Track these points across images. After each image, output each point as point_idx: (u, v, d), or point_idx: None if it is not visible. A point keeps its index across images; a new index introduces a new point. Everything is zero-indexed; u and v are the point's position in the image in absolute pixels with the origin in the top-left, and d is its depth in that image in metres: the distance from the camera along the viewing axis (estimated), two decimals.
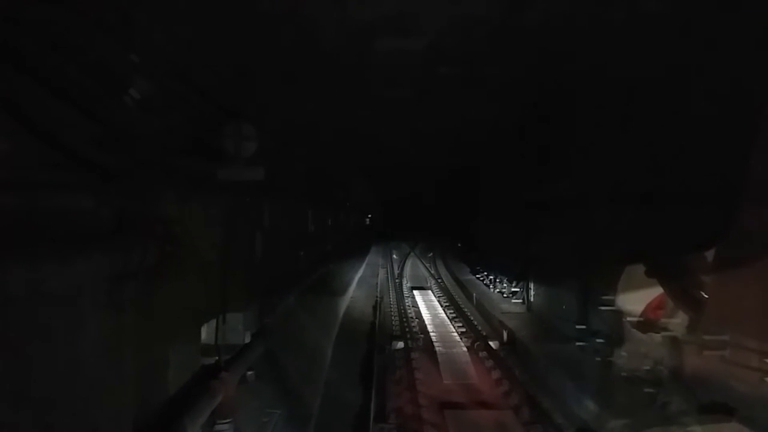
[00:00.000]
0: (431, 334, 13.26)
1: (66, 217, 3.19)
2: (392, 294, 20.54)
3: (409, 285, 22.81)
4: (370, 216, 51.32)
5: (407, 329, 14.54)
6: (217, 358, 7.06)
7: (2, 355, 2.62)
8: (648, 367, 8.37)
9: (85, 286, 3.22)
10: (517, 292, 16.29)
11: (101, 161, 3.66)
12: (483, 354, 12.08)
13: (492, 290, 18.81)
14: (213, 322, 7.23)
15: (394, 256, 34.36)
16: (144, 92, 4.77)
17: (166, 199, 5.06)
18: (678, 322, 7.89)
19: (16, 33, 2.93)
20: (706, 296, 7.33)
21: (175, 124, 5.58)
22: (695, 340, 7.18)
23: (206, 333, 7.30)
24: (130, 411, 4.17)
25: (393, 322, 15.59)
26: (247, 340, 8.40)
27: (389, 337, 13.23)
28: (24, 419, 2.79)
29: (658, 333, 8.11)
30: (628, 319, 8.85)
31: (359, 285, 21.68)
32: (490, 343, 12.59)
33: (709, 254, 7.24)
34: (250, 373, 8.21)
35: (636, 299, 9.15)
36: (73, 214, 3.26)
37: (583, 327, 10.79)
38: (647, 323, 8.58)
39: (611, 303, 9.75)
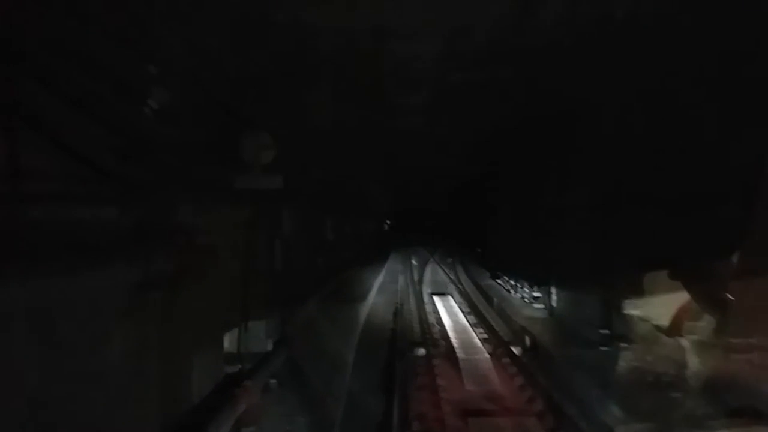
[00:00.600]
0: (452, 340, 13.18)
1: (89, 227, 3.24)
2: (412, 300, 20.46)
3: (429, 291, 22.71)
4: (388, 222, 51.36)
5: (428, 335, 14.46)
6: (239, 366, 7.10)
7: (27, 365, 2.66)
8: (674, 372, 8.23)
9: (109, 296, 3.26)
10: (539, 297, 16.14)
11: (122, 172, 3.71)
12: (505, 360, 11.96)
13: (513, 295, 18.66)
14: (235, 331, 7.28)
15: (414, 262, 34.27)
16: (163, 103, 4.84)
17: (186, 209, 5.11)
18: (704, 325, 7.74)
19: (37, 46, 2.99)
20: (733, 299, 7.20)
21: (193, 134, 5.65)
22: (722, 344, 7.04)
23: (229, 341, 7.35)
24: (155, 420, 4.19)
25: (414, 329, 15.52)
26: (269, 348, 8.44)
27: (410, 344, 13.16)
28: (48, 422, 2.82)
29: (685, 337, 7.96)
30: (654, 323, 8.71)
31: (379, 291, 21.64)
32: (513, 348, 12.46)
33: (736, 257, 7.11)
34: (272, 381, 8.24)
35: (661, 303, 9.02)
36: (96, 225, 3.31)
37: (607, 331, 10.66)
38: (673, 327, 8.43)
39: (636, 307, 9.63)
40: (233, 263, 7.04)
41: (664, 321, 8.82)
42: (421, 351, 12.51)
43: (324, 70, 8.40)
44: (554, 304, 14.81)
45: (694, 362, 7.81)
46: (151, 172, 4.31)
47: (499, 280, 21.77)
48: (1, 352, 2.43)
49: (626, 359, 9.64)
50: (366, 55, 8.14)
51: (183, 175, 5.23)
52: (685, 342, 8.08)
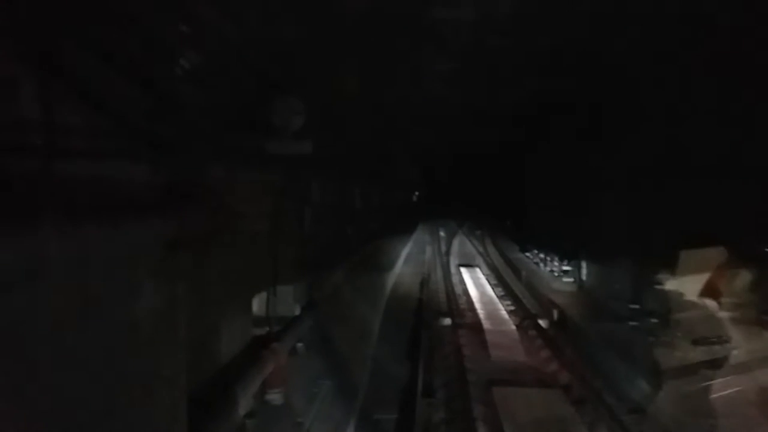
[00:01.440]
0: (479, 311, 13.17)
1: (120, 185, 3.28)
2: (439, 271, 20.47)
3: (456, 262, 22.68)
4: (417, 193, 51.20)
5: (454, 306, 14.49)
6: (268, 329, 7.20)
7: (62, 317, 2.72)
8: (705, 348, 8.08)
9: (140, 253, 3.31)
10: (568, 270, 15.98)
11: (154, 132, 3.73)
12: (532, 333, 11.92)
13: (542, 269, 18.52)
14: (264, 294, 7.37)
15: (441, 233, 34.20)
16: (195, 66, 4.83)
17: (217, 172, 5.14)
18: (737, 302, 7.55)
19: (71, 4, 2.99)
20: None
21: (225, 97, 5.65)
22: (756, 320, 6.88)
23: (257, 304, 7.45)
24: (184, 378, 4.28)
25: (440, 299, 15.56)
26: (297, 312, 8.54)
27: (436, 314, 13.21)
28: (80, 380, 2.89)
29: (716, 313, 7.79)
30: (685, 298, 8.54)
31: (406, 261, 21.70)
32: (540, 321, 12.41)
33: None
34: (300, 344, 8.37)
35: (693, 279, 8.82)
36: (127, 183, 3.34)
37: (637, 306, 10.51)
38: (705, 303, 8.25)
39: (667, 282, 9.45)
40: (263, 228, 7.09)
41: (697, 297, 8.62)
42: (447, 321, 12.54)
43: (356, 34, 8.27)
44: (584, 278, 14.65)
45: (726, 339, 7.65)
46: (182, 132, 4.32)
47: (528, 254, 21.61)
48: (35, 303, 2.48)
49: (655, 335, 9.50)
50: (399, 19, 7.98)
51: (214, 137, 5.24)
52: (717, 318, 7.90)
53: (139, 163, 3.52)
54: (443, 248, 27.24)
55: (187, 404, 4.36)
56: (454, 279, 18.75)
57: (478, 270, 20.34)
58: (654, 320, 9.79)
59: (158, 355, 3.87)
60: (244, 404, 5.81)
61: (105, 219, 3.05)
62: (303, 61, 8.48)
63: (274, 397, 6.65)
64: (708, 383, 7.47)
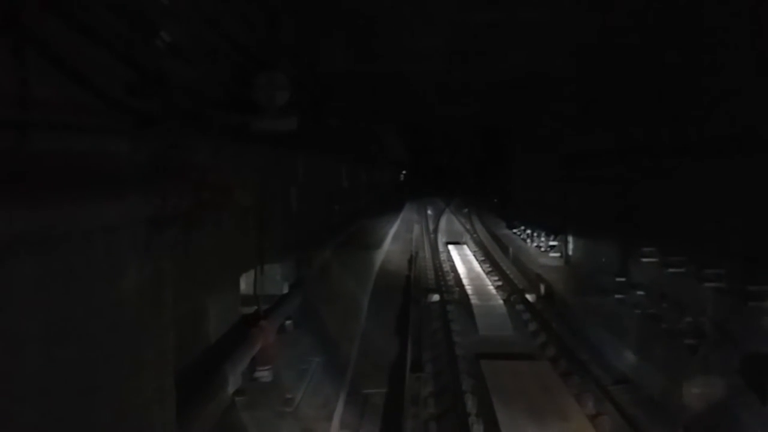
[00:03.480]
0: (467, 287, 13.24)
1: (101, 160, 3.21)
2: (427, 248, 20.55)
3: (444, 240, 22.76)
4: (404, 172, 51.20)
5: (442, 283, 14.58)
6: (256, 307, 7.19)
7: (43, 294, 2.67)
8: (690, 319, 8.20)
9: (123, 229, 3.26)
10: (555, 245, 16.09)
11: (136, 107, 3.65)
12: (520, 307, 12.04)
13: (529, 244, 18.62)
14: (251, 273, 7.34)
15: (429, 211, 34.27)
16: (177, 40, 4.72)
17: (201, 148, 5.06)
18: (722, 273, 7.64)
19: None
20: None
21: (208, 73, 5.54)
22: (740, 291, 6.96)
23: (245, 283, 7.43)
24: (171, 356, 4.26)
25: (428, 276, 15.65)
26: (285, 290, 8.53)
27: (424, 290, 13.29)
28: (60, 360, 2.86)
29: (702, 284, 7.88)
30: (670, 270, 8.63)
31: (394, 239, 21.74)
32: (527, 296, 12.53)
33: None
34: (288, 322, 8.38)
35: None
36: (109, 158, 3.27)
37: (623, 279, 10.62)
38: (690, 275, 8.34)
39: (653, 255, 9.53)
40: (249, 206, 7.04)
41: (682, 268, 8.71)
42: (436, 297, 12.62)
43: (340, 8, 8.16)
44: (570, 252, 14.77)
45: (711, 310, 7.75)
46: (165, 108, 4.24)
47: (515, 230, 21.72)
48: (9, 280, 2.43)
49: (641, 307, 9.62)
50: None
51: (197, 113, 5.15)
52: (703, 290, 7.99)
53: (121, 138, 3.45)
54: (431, 226, 27.31)
55: (174, 384, 4.35)
56: (442, 256, 18.82)
57: (465, 247, 20.42)
58: (639, 292, 9.91)
59: (144, 334, 3.84)
60: (233, 382, 5.83)
61: (85, 195, 2.99)
62: (289, 37, 8.36)
63: (264, 374, 6.66)
64: (690, 350, 7.61)
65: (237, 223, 6.50)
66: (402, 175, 51.07)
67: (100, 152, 3.19)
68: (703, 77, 8.00)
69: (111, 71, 3.46)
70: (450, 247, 20.29)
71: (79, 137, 3.02)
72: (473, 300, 11.93)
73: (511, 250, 18.30)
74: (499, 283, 14.57)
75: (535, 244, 18.06)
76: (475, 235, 24.36)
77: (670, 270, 8.67)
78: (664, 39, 8.78)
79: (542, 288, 12.95)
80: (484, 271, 15.76)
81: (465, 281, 13.98)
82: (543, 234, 17.36)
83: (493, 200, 31.98)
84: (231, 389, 5.77)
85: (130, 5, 3.71)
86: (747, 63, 7.00)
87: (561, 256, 15.48)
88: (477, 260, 17.53)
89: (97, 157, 3.15)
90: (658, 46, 8.99)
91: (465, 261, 17.18)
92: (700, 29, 7.93)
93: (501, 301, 12.01)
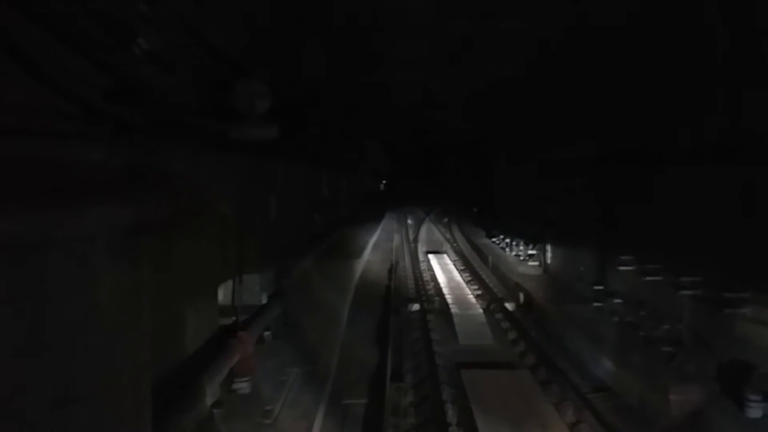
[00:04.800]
0: (447, 296, 13.27)
1: (77, 167, 3.14)
2: (407, 258, 20.55)
3: (424, 249, 22.79)
4: (384, 182, 51.23)
5: (423, 292, 14.57)
6: (234, 318, 7.10)
7: (14, 303, 2.60)
8: (667, 327, 8.29)
9: (99, 237, 3.19)
10: (533, 254, 16.18)
11: (113, 113, 3.58)
12: (499, 315, 12.08)
13: (508, 253, 18.70)
14: (229, 283, 7.25)
15: (409, 221, 34.29)
16: (156, 47, 4.67)
17: (179, 156, 4.99)
18: (699, 280, 7.74)
19: None
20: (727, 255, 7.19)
21: (187, 80, 5.48)
22: (716, 299, 7.06)
23: (223, 293, 7.33)
24: (148, 367, 4.18)
25: (408, 285, 15.63)
26: (264, 301, 8.44)
27: (405, 300, 13.26)
28: (37, 369, 2.78)
29: (679, 292, 7.98)
30: (648, 278, 8.73)
31: (375, 249, 21.71)
32: (506, 304, 12.58)
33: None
34: (267, 333, 8.29)
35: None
36: (84, 165, 3.20)
37: (601, 288, 10.71)
38: (668, 283, 8.44)
39: (630, 263, 9.63)
40: (227, 215, 6.96)
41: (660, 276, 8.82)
42: (416, 306, 12.61)
43: (318, 15, 8.16)
44: (549, 261, 14.87)
45: (687, 318, 7.85)
46: (142, 114, 4.18)
47: (494, 239, 21.80)
48: None
49: (619, 315, 9.71)
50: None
51: (176, 120, 5.10)
52: (679, 298, 8.09)
53: (97, 145, 3.38)
54: (411, 235, 27.33)
55: (152, 395, 4.26)
56: (422, 265, 18.84)
57: (445, 256, 20.48)
58: (617, 300, 10.00)
59: (120, 345, 3.76)
60: (211, 394, 5.73)
61: (59, 202, 2.93)
62: (268, 45, 8.33)
63: (242, 385, 6.58)
64: (668, 358, 7.68)
65: (215, 231, 6.42)
66: (382, 184, 51.10)
67: (75, 159, 3.13)
68: (679, 85, 8.13)
69: (88, 77, 3.40)
70: (430, 256, 20.33)
71: (54, 144, 2.95)
72: (453, 309, 11.95)
73: (490, 259, 18.38)
74: (479, 291, 14.61)
75: (513, 253, 18.14)
76: (455, 244, 24.43)
77: (648, 278, 8.77)
78: (642, 45, 8.91)
79: (521, 296, 13.01)
80: (463, 280, 15.81)
81: (445, 290, 14.01)
82: (522, 243, 17.46)
83: (472, 209, 32.11)
84: (209, 401, 5.67)
85: (108, 11, 3.65)
86: (721, 73, 7.14)
87: (539, 265, 15.57)
88: (457, 269, 17.58)
89: (73, 164, 3.08)
90: (636, 52, 9.13)
91: (445, 270, 17.22)
92: (678, 38, 8.06)
93: (481, 311, 12.05)
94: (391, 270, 17.14)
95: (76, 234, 3.00)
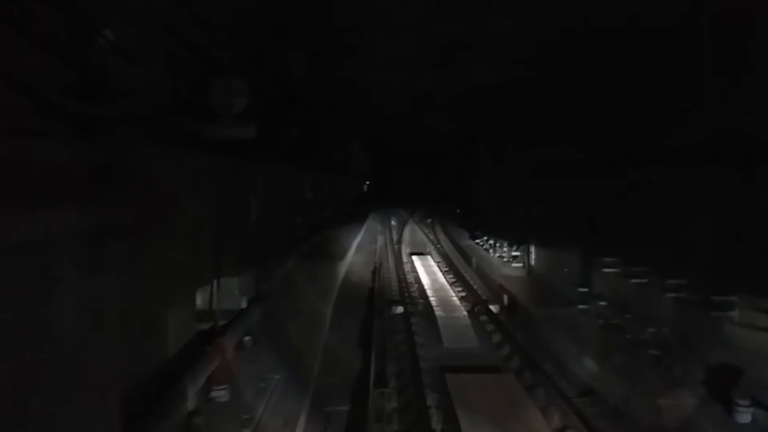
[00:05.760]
0: (431, 298, 13.11)
1: (35, 167, 2.92)
2: (391, 259, 20.39)
3: (408, 251, 22.64)
4: (368, 183, 51.04)
5: (406, 294, 14.40)
6: (212, 323, 6.87)
7: None
8: (653, 330, 8.22)
9: (60, 243, 2.97)
10: (517, 256, 16.13)
11: (75, 110, 3.36)
12: (483, 318, 11.95)
13: (492, 255, 18.65)
14: (207, 287, 7.02)
15: (393, 222, 34.14)
16: (126, 42, 4.45)
17: (150, 156, 4.77)
18: (685, 283, 7.68)
19: None
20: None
21: (160, 77, 5.26)
22: (703, 302, 7.00)
23: (201, 298, 7.10)
24: (118, 377, 3.96)
25: (392, 287, 15.46)
26: (244, 305, 8.21)
27: (388, 302, 13.09)
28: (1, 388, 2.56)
29: (665, 294, 7.92)
30: (633, 281, 8.66)
31: (358, 250, 21.51)
32: (491, 307, 12.45)
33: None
34: (247, 338, 8.06)
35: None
36: (43, 165, 2.98)
37: (585, 290, 10.65)
38: (654, 285, 8.38)
39: (614, 265, 9.58)
40: (205, 217, 6.74)
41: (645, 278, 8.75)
42: (400, 309, 12.44)
43: (301, 12, 7.97)
44: (533, 262, 14.81)
45: (673, 320, 7.79)
46: (111, 112, 3.96)
47: (478, 240, 21.76)
48: None
49: (604, 317, 9.65)
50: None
51: (146, 117, 4.87)
52: (665, 300, 8.02)
53: (57, 144, 3.16)
54: (395, 237, 27.18)
55: (125, 406, 4.04)
56: (406, 267, 18.68)
57: (429, 258, 20.35)
58: (602, 303, 9.94)
59: (86, 355, 3.54)
60: (188, 402, 5.51)
61: (16, 206, 2.70)
62: (247, 42, 8.11)
63: (220, 393, 6.33)
64: (654, 361, 7.62)
65: (191, 235, 6.19)
66: (366, 186, 50.89)
67: (33, 159, 2.90)
68: (665, 88, 8.08)
69: (46, 70, 3.18)
70: (414, 257, 20.18)
71: (8, 142, 2.73)
72: (437, 312, 11.79)
73: (474, 260, 18.28)
74: (463, 293, 14.48)
75: (497, 255, 18.09)
76: (438, 246, 24.32)
77: (633, 280, 8.71)
78: (627, 48, 8.86)
79: (505, 298, 12.92)
80: (447, 281, 15.67)
81: (429, 292, 13.85)
82: (505, 244, 17.40)
83: (456, 210, 32.08)
84: (186, 410, 5.45)
85: (76, 7, 3.43)
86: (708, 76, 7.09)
87: (523, 266, 15.52)
88: (441, 271, 17.45)
89: (30, 165, 2.86)
90: (621, 55, 9.07)
91: (429, 272, 17.08)
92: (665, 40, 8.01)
93: (465, 313, 11.91)
94: (375, 272, 16.96)
95: (35, 240, 2.78)
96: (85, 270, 3.40)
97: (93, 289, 3.50)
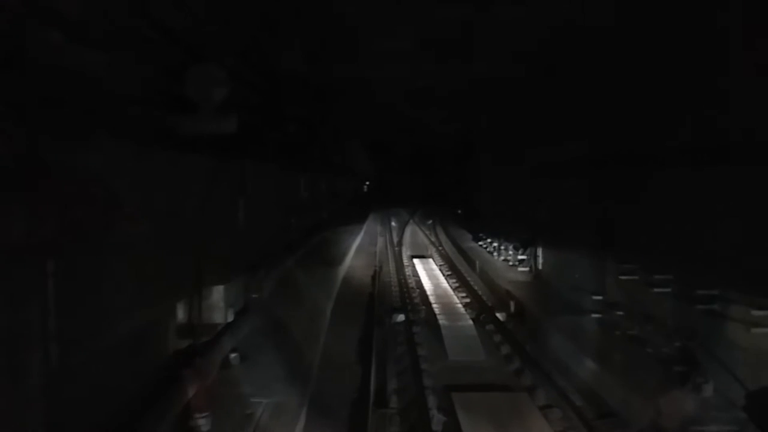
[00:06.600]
0: (433, 305, 12.39)
1: None
2: (391, 262, 19.69)
3: (408, 253, 21.95)
4: (368, 183, 50.40)
5: (408, 300, 13.70)
6: (191, 341, 6.14)
7: None
8: (679, 344, 7.50)
9: None
10: (524, 260, 15.41)
11: (15, 101, 2.65)
12: (490, 327, 11.23)
13: (496, 258, 17.94)
14: (186, 300, 6.29)
15: (393, 223, 33.46)
16: (83, 21, 3.74)
17: (113, 153, 4.05)
18: (716, 294, 6.96)
19: None
20: None
21: (122, 61, 4.52)
22: (742, 317, 6.29)
23: (180, 313, 6.36)
24: (72, 411, 3.24)
25: (393, 293, 14.75)
26: (231, 318, 7.46)
27: (389, 310, 12.38)
28: None
29: (693, 306, 7.19)
30: (656, 290, 7.93)
31: (357, 253, 20.80)
32: (497, 314, 11.75)
33: None
34: (233, 355, 7.33)
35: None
36: None
37: (600, 298, 9.92)
38: (679, 295, 7.66)
39: (632, 272, 8.86)
40: (184, 222, 6.01)
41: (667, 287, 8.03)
42: (401, 317, 11.74)
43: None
44: (540, 267, 14.10)
45: (702, 333, 7.07)
46: (61, 102, 3.25)
47: (481, 242, 21.05)
48: None
49: (622, 329, 8.92)
50: None
51: (109, 110, 4.15)
52: (692, 311, 7.30)
53: None
54: (395, 239, 26.49)
55: None
56: (407, 271, 17.98)
57: (431, 261, 19.66)
58: (619, 312, 9.21)
59: (24, 382, 2.83)
60: None
61: None
62: (235, 30, 7.40)
63: (201, 422, 5.59)
64: (681, 379, 6.91)
65: (166, 243, 5.46)
66: (366, 186, 50.24)
67: None
68: (673, 86, 7.48)
69: None
70: (415, 260, 19.50)
71: None
72: (441, 320, 11.07)
73: (477, 263, 17.56)
74: (467, 300, 13.77)
75: (502, 258, 17.39)
76: (440, 248, 23.61)
77: (656, 290, 7.98)
78: (638, 43, 8.22)
79: (512, 305, 12.21)
80: (451, 287, 14.98)
81: (432, 299, 13.15)
82: (510, 247, 16.69)
83: (457, 211, 31.39)
84: None
85: None
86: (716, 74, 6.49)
87: (530, 271, 14.81)
88: (443, 275, 16.76)
89: None
90: (631, 51, 8.43)
91: (431, 276, 16.38)
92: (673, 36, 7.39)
93: (470, 321, 11.19)
94: (375, 276, 16.26)
95: None
96: (15, 283, 2.69)
97: (18, 314, 2.78)
